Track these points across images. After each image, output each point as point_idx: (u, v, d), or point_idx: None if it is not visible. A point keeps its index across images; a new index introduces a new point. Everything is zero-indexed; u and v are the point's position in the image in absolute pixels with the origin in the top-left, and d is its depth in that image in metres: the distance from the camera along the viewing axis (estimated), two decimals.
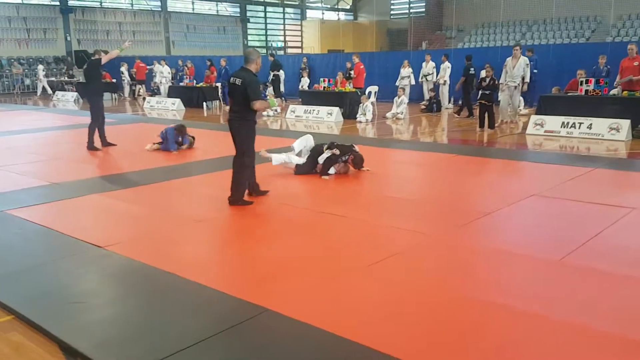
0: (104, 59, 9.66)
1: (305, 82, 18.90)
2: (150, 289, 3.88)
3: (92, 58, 9.85)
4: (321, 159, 7.33)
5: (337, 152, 7.25)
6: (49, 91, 23.99)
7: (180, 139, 9.64)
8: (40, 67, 24.80)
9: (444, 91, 16.94)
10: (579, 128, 10.49)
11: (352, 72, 16.00)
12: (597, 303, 3.54)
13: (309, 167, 7.40)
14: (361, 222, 5.41)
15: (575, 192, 6.37)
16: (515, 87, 11.91)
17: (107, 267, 4.28)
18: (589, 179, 7.11)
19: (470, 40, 32.96)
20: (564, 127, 10.70)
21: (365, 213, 5.72)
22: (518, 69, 11.78)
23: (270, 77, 19.61)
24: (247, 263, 4.41)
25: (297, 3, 40.18)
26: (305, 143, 7.77)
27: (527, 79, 11.90)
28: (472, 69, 14.12)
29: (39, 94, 24.67)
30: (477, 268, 4.26)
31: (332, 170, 7.32)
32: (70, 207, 6.09)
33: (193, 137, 9.93)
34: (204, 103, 18.19)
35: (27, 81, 26.69)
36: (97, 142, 9.85)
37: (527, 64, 11.76)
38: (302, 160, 7.53)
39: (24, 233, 5.14)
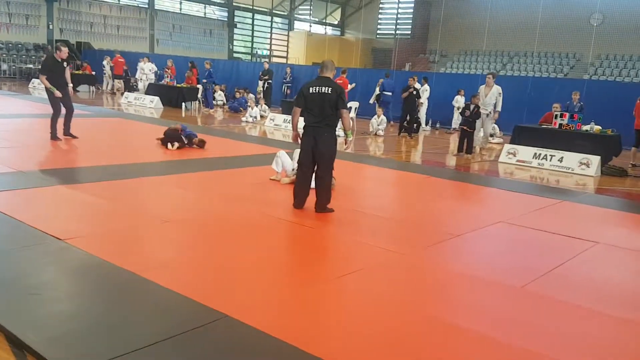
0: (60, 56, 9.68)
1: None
2: (109, 287, 3.79)
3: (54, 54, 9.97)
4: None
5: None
6: None
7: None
8: None
9: (422, 112, 17.22)
10: (550, 160, 10.70)
11: None
12: (552, 331, 3.58)
13: None
14: (330, 235, 5.41)
15: (542, 222, 6.47)
16: (487, 114, 12.13)
17: (67, 260, 4.17)
18: (556, 210, 7.23)
19: (452, 65, 33.53)
20: (536, 158, 10.90)
21: (334, 226, 5.71)
22: (490, 97, 12.00)
23: (264, 84, 19.52)
24: (211, 267, 4.34)
25: (285, 13, 40.35)
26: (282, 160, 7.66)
27: (499, 108, 12.13)
28: (411, 88, 14.40)
29: None
30: (440, 289, 4.28)
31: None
32: (35, 197, 5.94)
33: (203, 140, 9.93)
34: (183, 103, 18.06)
35: (5, 66, 26.13)
36: (60, 132, 9.84)
37: (500, 93, 11.98)
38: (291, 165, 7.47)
39: None
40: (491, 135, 14.66)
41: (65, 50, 9.69)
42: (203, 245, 4.90)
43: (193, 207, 6.00)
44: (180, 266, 4.31)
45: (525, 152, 11.11)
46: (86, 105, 16.48)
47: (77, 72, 23.72)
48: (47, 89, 9.61)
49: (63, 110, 9.80)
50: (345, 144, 6.38)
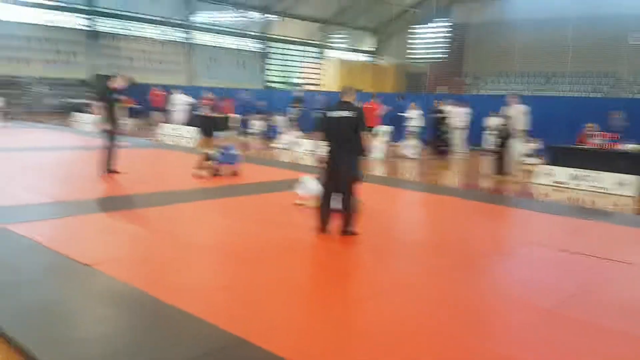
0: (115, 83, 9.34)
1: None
2: (137, 313, 3.88)
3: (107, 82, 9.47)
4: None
5: None
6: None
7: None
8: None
9: (462, 136, 17.11)
10: (587, 181, 10.43)
11: None
12: (579, 353, 3.47)
13: None
14: (352, 258, 5.41)
15: (573, 243, 6.30)
16: (515, 135, 12.04)
17: (94, 286, 4.30)
18: (590, 232, 7.04)
19: (487, 88, 33.26)
20: (572, 178, 10.64)
21: (358, 249, 5.71)
22: (516, 117, 11.92)
23: (296, 110, 19.91)
24: (235, 292, 4.39)
25: (317, 42, 40.99)
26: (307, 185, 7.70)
27: (525, 127, 12.03)
28: (439, 113, 14.26)
29: None
30: (464, 312, 4.20)
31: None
32: (69, 225, 6.16)
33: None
34: (217, 132, 18.45)
35: (50, 101, 27.34)
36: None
37: (525, 113, 11.89)
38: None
39: (17, 247, 5.20)
40: (529, 156, 14.44)
41: (119, 80, 9.32)
42: (229, 270, 4.97)
43: (222, 232, 6.11)
44: (204, 291, 4.37)
45: (562, 173, 10.86)
46: (127, 137, 17.01)
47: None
48: (99, 119, 9.21)
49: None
50: (366, 166, 6.42)
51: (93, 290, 4.23)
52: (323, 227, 6.15)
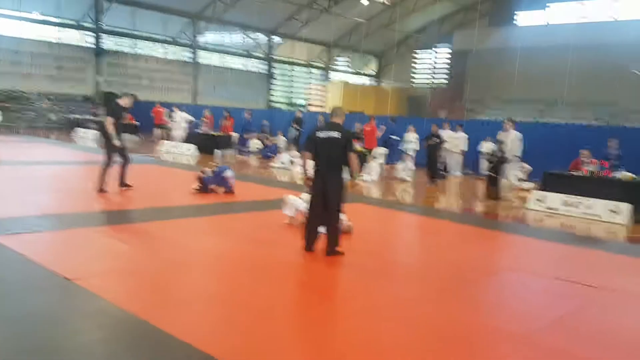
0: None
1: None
2: (113, 328, 3.91)
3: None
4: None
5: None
6: None
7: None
8: None
9: (458, 160, 17.26)
10: (579, 207, 10.44)
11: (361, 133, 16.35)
12: None
13: None
14: (336, 278, 5.44)
15: (559, 269, 6.32)
16: (509, 160, 12.14)
17: (73, 301, 4.33)
18: (580, 259, 7.06)
19: (490, 113, 33.38)
20: (565, 205, 10.66)
21: (342, 269, 5.74)
22: (511, 143, 12.03)
23: (295, 131, 20.09)
24: (218, 311, 4.42)
25: (323, 65, 41.43)
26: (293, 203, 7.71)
27: (519, 153, 12.12)
28: (434, 137, 14.33)
29: None
30: (439, 334, 4.21)
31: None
32: (58, 239, 6.21)
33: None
34: (216, 150, 18.63)
35: (53, 116, 27.62)
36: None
37: (520, 139, 11.98)
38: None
39: (1, 259, 5.25)
40: (523, 182, 14.49)
41: (128, 100, 9.59)
42: (211, 288, 5.00)
43: (208, 249, 6.15)
44: (184, 309, 4.38)
45: (554, 199, 10.89)
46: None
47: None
48: (107, 136, 9.24)
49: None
50: (351, 186, 6.49)
51: (73, 305, 4.26)
52: (309, 245, 6.19)
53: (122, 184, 9.59)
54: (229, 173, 10.10)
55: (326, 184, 6.05)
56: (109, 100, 9.51)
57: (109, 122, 9.11)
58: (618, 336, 4.37)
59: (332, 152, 6.03)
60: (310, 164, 6.25)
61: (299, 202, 7.56)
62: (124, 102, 9.58)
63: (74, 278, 4.72)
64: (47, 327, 3.78)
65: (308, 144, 6.26)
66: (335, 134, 6.04)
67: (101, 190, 9.14)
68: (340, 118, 6.31)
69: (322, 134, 6.11)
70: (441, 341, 4.06)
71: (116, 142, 9.25)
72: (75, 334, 3.75)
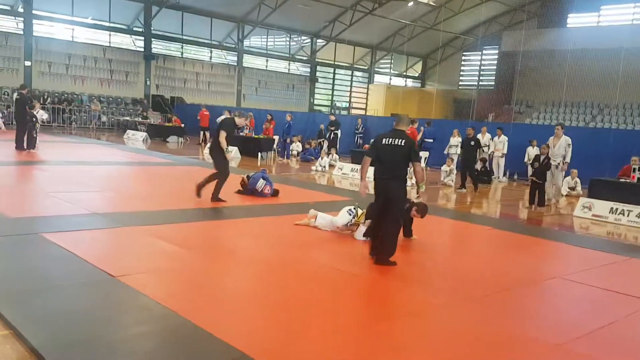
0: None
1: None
2: (156, 325, 4.06)
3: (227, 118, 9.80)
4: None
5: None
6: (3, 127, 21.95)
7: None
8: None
9: (500, 163, 16.97)
10: (628, 215, 10.09)
11: None
12: None
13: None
14: (373, 282, 5.45)
15: (601, 279, 6.15)
16: (556, 166, 11.84)
17: (118, 297, 4.50)
18: (622, 268, 6.83)
19: (539, 117, 32.60)
20: (612, 212, 10.33)
21: (380, 274, 5.75)
22: (559, 148, 11.77)
23: (330, 135, 20.25)
24: (261, 314, 4.52)
25: (366, 67, 41.37)
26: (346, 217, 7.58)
27: (568, 159, 11.83)
28: (472, 141, 13.88)
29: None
30: (473, 343, 4.17)
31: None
32: (103, 237, 6.46)
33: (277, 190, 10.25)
34: (259, 153, 18.90)
35: (104, 118, 28.64)
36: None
37: (569, 144, 11.68)
38: (345, 220, 7.40)
39: (49, 255, 5.49)
40: (572, 189, 14.10)
41: (243, 120, 9.82)
42: (253, 290, 5.07)
43: (252, 250, 6.26)
44: (227, 310, 4.48)
45: (601, 207, 10.56)
46: (172, 155, 17.68)
47: (167, 124, 25.65)
48: (219, 149, 9.16)
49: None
50: (418, 194, 6.56)
51: (116, 301, 4.43)
52: (370, 250, 6.19)
53: (216, 198, 9.26)
54: (260, 184, 10.10)
55: (388, 192, 5.99)
56: (228, 121, 9.36)
57: (222, 136, 9.11)
58: None
59: (395, 160, 5.97)
60: (368, 170, 6.24)
61: (328, 217, 7.52)
62: (239, 121, 9.73)
63: (118, 275, 4.91)
64: (91, 322, 3.94)
65: (370, 149, 6.27)
66: (399, 142, 5.96)
67: (215, 200, 9.12)
68: (406, 126, 6.27)
69: (385, 141, 6.03)
70: (471, 346, 4.03)
71: (228, 155, 9.36)
72: (117, 329, 3.90)
